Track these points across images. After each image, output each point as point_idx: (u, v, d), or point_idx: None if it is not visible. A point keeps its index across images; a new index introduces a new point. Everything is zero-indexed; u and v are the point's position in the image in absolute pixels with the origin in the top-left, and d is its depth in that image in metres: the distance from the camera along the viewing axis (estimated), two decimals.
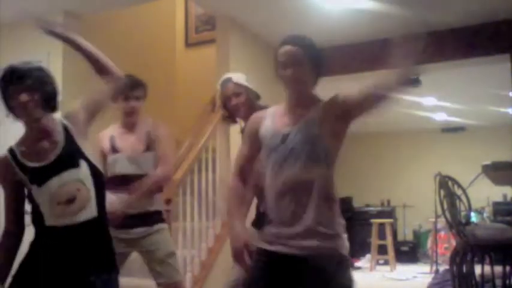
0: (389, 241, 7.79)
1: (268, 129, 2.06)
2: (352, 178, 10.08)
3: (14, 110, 2.06)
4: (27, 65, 2.10)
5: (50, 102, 2.14)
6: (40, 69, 2.13)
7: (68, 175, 2.05)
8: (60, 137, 2.12)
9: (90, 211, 2.06)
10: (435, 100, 7.60)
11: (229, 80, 2.85)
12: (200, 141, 4.19)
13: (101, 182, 2.13)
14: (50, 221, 2.04)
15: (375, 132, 9.98)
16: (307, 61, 2.06)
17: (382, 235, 7.94)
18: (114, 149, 2.89)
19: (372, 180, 9.96)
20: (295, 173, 1.94)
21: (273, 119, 2.09)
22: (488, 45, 4.77)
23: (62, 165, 2.06)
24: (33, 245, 2.07)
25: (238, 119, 2.94)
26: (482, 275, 3.39)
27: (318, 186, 1.93)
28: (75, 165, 2.07)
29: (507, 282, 3.44)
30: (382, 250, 7.95)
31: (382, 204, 9.81)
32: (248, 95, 2.82)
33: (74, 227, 2.03)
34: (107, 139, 2.93)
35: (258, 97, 2.88)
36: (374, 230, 7.93)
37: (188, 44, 6.24)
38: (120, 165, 2.85)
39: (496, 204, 8.61)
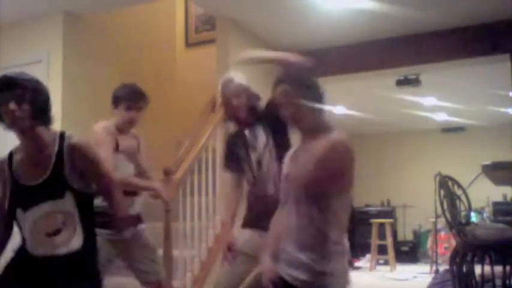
0: (389, 241, 7.78)
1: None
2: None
3: (4, 118, 2.01)
4: (21, 75, 2.01)
5: (41, 114, 2.03)
6: (34, 81, 2.03)
7: (52, 205, 2.01)
8: (50, 159, 2.04)
9: (74, 243, 2.04)
10: (435, 100, 7.60)
11: (230, 80, 2.85)
12: (200, 141, 4.19)
13: (88, 208, 2.10)
14: (31, 247, 2.04)
15: (375, 133, 9.99)
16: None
17: (382, 235, 7.94)
18: (117, 148, 2.91)
19: (372, 180, 9.95)
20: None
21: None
22: (488, 45, 4.77)
23: (47, 192, 2.02)
24: (14, 261, 2.10)
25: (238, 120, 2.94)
26: (482, 275, 3.39)
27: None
28: (61, 195, 2.02)
29: (507, 282, 3.44)
30: (382, 250, 7.95)
31: (382, 204, 9.81)
32: (249, 96, 2.82)
33: (54, 258, 2.02)
34: (113, 135, 2.92)
35: (258, 98, 2.88)
36: (374, 230, 7.93)
37: (188, 44, 6.24)
38: (120, 165, 2.88)
39: (496, 204, 8.61)
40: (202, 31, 6.13)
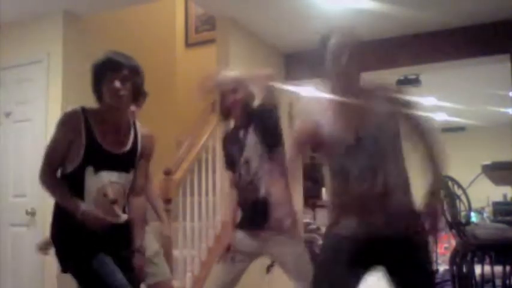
0: None
1: None
2: None
3: (103, 93, 2.18)
4: (127, 58, 2.24)
5: (137, 94, 2.25)
6: (137, 64, 2.27)
7: (122, 177, 2.21)
8: (129, 136, 2.26)
9: (124, 216, 2.25)
10: (435, 100, 7.60)
11: (228, 76, 2.87)
12: (200, 141, 4.19)
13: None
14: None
15: None
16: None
17: None
18: None
19: None
20: None
21: None
22: (488, 45, 4.77)
23: (122, 163, 2.21)
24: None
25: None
26: (482, 275, 3.39)
27: None
28: (128, 170, 2.24)
29: (507, 282, 3.44)
30: None
31: None
32: (245, 94, 2.83)
33: (113, 225, 2.18)
34: None
35: (253, 98, 2.88)
36: None
37: (188, 44, 6.23)
38: None
39: (496, 204, 8.60)
40: (202, 31, 6.13)
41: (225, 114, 2.91)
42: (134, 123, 2.31)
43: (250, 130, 2.79)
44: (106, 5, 4.39)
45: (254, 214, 2.69)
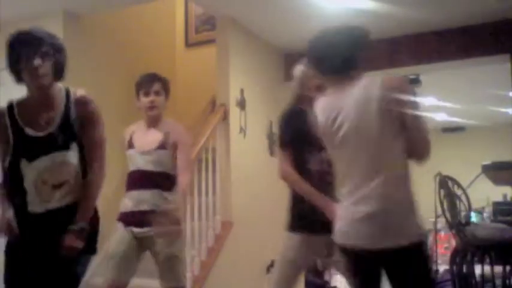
0: None
1: None
2: None
3: (22, 72, 2.02)
4: (44, 31, 2.07)
5: (59, 71, 2.10)
6: (55, 37, 2.12)
7: (58, 156, 2.03)
8: (59, 111, 2.08)
9: (74, 195, 2.07)
10: (435, 100, 7.60)
11: (307, 70, 2.75)
12: (200, 141, 4.19)
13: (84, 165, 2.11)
14: (32, 201, 2.03)
15: None
16: None
17: None
18: (130, 145, 2.95)
19: None
20: None
21: None
22: (488, 45, 4.77)
23: (54, 142, 2.03)
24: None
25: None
26: (482, 275, 3.39)
27: None
28: (67, 146, 2.05)
29: (507, 282, 3.44)
30: None
31: None
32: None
33: (55, 211, 2.04)
34: (128, 134, 3.00)
35: None
36: None
37: (188, 44, 6.23)
38: (133, 161, 2.91)
39: (496, 204, 8.59)
40: (203, 31, 6.13)
41: (307, 102, 2.57)
42: (68, 94, 2.12)
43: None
44: (106, 5, 4.39)
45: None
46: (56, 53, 2.04)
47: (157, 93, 2.94)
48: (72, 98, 2.11)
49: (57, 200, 2.04)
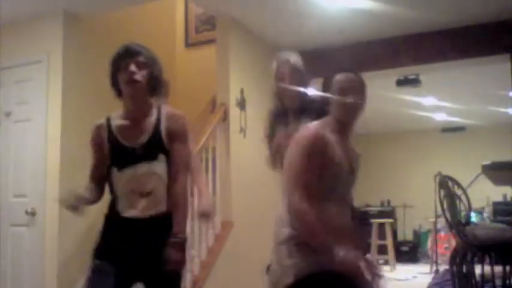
0: (389, 241, 7.79)
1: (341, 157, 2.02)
2: None
3: (119, 83, 2.19)
4: (143, 47, 2.26)
5: (154, 84, 2.22)
6: (153, 53, 2.28)
7: (147, 167, 2.15)
8: (151, 123, 2.21)
9: (162, 206, 2.17)
10: (435, 100, 7.60)
11: (287, 60, 2.80)
12: (200, 141, 4.19)
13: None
14: (121, 208, 2.16)
15: (375, 133, 9.98)
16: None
17: (382, 235, 7.94)
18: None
19: (372, 180, 9.93)
20: None
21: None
22: (488, 45, 4.77)
23: (143, 153, 2.16)
24: (106, 221, 2.23)
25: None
26: (482, 275, 3.39)
27: None
28: (155, 157, 2.17)
29: (507, 282, 3.44)
30: (382, 250, 7.95)
31: (382, 204, 9.81)
32: (300, 80, 2.75)
33: (144, 219, 2.14)
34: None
35: (307, 85, 2.81)
36: (374, 230, 7.93)
37: (188, 44, 6.23)
38: None
39: (496, 204, 8.60)
40: (203, 31, 6.13)
41: (278, 98, 2.84)
42: (159, 109, 2.26)
43: (300, 122, 2.56)
44: (106, 5, 4.39)
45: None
46: (152, 65, 2.21)
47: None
48: (164, 112, 2.26)
49: (145, 208, 2.14)
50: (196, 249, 4.01)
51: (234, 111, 4.63)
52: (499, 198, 8.68)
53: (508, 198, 8.70)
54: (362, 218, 9.25)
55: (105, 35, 4.64)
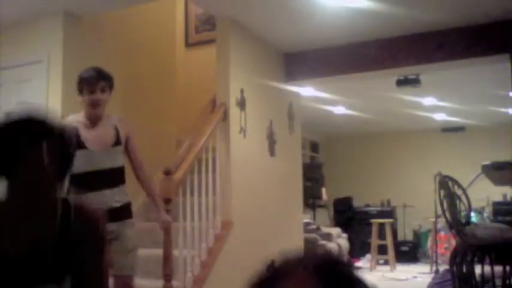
0: (389, 241, 7.79)
1: None
2: (352, 178, 10.08)
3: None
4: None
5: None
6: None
7: None
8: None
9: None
10: (435, 100, 7.60)
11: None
12: (200, 141, 4.18)
13: None
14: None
15: (375, 133, 9.98)
16: None
17: (382, 235, 7.93)
18: (81, 144, 2.82)
19: (372, 180, 9.96)
20: None
21: None
22: (488, 45, 4.77)
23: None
24: None
25: None
26: (482, 275, 3.39)
27: None
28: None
29: (507, 282, 3.44)
30: (382, 250, 7.95)
31: (382, 204, 9.81)
32: None
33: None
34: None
35: None
36: (374, 230, 7.93)
37: (188, 44, 6.23)
38: (89, 160, 2.83)
39: (496, 204, 8.61)
40: (203, 31, 6.13)
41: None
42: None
43: None
44: (106, 5, 4.38)
45: None
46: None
47: (103, 90, 2.93)
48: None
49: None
50: (196, 249, 4.01)
51: (234, 111, 4.63)
52: (499, 198, 8.68)
53: (508, 198, 8.70)
54: (361, 218, 9.28)
55: (105, 35, 4.64)
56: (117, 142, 2.94)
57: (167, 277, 3.57)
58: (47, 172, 1.41)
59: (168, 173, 3.68)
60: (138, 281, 3.09)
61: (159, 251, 3.59)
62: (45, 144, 1.41)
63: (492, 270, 3.49)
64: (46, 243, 1.42)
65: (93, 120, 2.94)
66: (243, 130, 4.73)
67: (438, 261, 7.18)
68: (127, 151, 3.01)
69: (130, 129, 3.06)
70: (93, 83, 2.89)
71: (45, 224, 1.44)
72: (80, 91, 2.93)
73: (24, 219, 1.42)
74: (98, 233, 1.55)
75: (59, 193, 1.52)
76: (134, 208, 3.15)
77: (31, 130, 1.42)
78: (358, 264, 8.07)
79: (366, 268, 7.76)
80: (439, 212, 4.16)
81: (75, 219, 1.48)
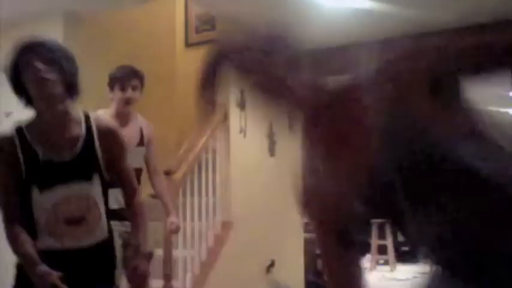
0: (389, 241, 7.78)
1: None
2: None
3: (30, 84, 1.67)
4: (49, 38, 1.78)
5: (72, 83, 1.78)
6: (63, 46, 1.83)
7: (77, 188, 1.72)
8: (79, 136, 1.77)
9: (100, 234, 1.79)
10: None
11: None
12: (200, 141, 4.19)
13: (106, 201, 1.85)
14: (47, 241, 1.71)
15: None
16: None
17: (382, 235, 7.93)
18: None
19: None
20: None
21: None
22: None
23: (75, 171, 1.72)
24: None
25: None
26: None
27: None
28: (88, 177, 1.74)
29: None
30: (382, 250, 7.94)
31: None
32: None
33: (74, 251, 1.74)
34: None
35: None
36: (374, 230, 7.92)
37: (188, 44, 6.23)
38: None
39: None
40: (203, 31, 6.12)
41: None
42: (85, 115, 1.83)
43: None
44: (106, 5, 4.39)
45: None
46: (64, 59, 1.75)
47: (134, 88, 2.91)
48: (99, 124, 1.83)
49: (76, 239, 1.74)
50: (196, 250, 4.01)
51: (234, 112, 4.63)
52: None
53: None
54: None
55: (105, 35, 4.64)
56: (141, 143, 2.94)
57: (167, 277, 3.57)
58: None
59: (168, 173, 3.68)
60: None
61: (159, 251, 3.59)
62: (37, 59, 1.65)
63: None
64: (77, 148, 1.74)
65: (122, 118, 2.91)
66: (243, 130, 4.73)
67: None
68: (145, 154, 2.99)
69: (152, 134, 3.05)
70: (125, 80, 2.87)
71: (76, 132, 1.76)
72: (111, 88, 2.90)
73: (54, 130, 1.75)
74: (117, 139, 1.87)
75: (73, 107, 1.80)
76: None
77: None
78: None
79: (366, 268, 7.76)
80: None
81: (96, 128, 1.81)
